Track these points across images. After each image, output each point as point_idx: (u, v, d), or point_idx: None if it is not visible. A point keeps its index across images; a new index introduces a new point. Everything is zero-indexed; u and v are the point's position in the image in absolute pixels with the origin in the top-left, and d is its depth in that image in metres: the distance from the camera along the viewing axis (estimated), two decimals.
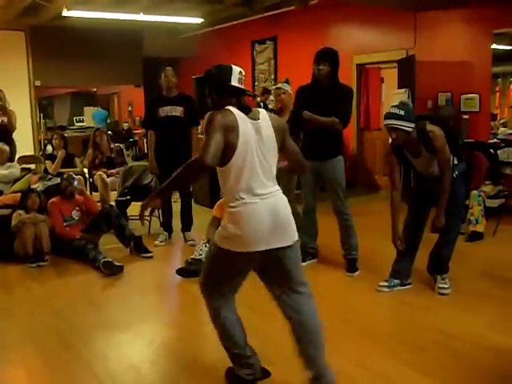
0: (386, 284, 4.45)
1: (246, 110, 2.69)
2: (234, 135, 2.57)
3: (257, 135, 2.66)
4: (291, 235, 2.81)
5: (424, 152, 4.07)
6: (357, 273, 4.86)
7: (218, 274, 2.85)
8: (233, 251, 2.68)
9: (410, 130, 3.93)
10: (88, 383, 3.14)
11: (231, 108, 2.64)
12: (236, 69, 2.77)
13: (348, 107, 4.76)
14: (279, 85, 5.50)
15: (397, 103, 4.07)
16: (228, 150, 2.57)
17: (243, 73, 2.81)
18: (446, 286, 4.35)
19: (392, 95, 7.84)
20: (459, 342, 3.52)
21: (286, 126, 2.93)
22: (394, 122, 3.92)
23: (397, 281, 4.45)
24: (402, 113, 3.90)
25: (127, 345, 3.69)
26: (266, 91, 8.58)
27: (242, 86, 2.78)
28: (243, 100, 2.76)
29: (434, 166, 4.14)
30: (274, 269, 2.84)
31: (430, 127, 3.98)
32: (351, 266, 4.90)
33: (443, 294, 4.29)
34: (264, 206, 2.67)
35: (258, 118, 2.71)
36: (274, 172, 2.79)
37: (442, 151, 3.99)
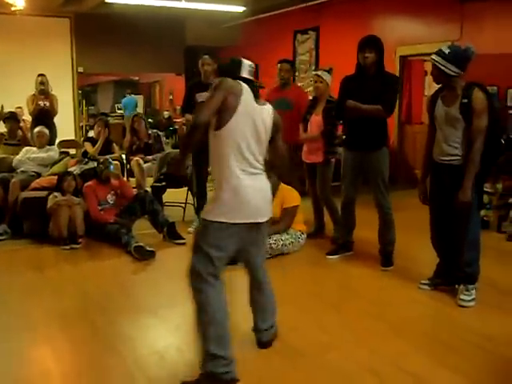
0: (427, 282, 4.28)
1: (255, 97, 2.89)
2: (235, 99, 2.74)
3: (256, 115, 2.85)
4: (269, 212, 3.01)
5: (455, 109, 3.81)
6: (391, 267, 4.73)
7: (208, 252, 2.83)
8: (227, 222, 2.78)
9: (448, 71, 3.73)
10: (112, 365, 3.14)
11: (242, 83, 2.83)
12: (246, 62, 3.00)
13: (393, 95, 4.63)
14: (319, 72, 5.42)
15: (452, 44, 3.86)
16: (226, 111, 2.73)
17: (253, 65, 3.05)
18: (468, 297, 3.95)
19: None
20: (494, 343, 3.38)
21: (281, 125, 3.14)
22: (435, 57, 3.77)
23: (438, 280, 4.26)
24: (447, 51, 3.73)
25: (153, 329, 3.67)
26: None
27: (251, 77, 3.00)
28: (253, 89, 2.92)
29: (455, 138, 3.85)
30: (248, 242, 2.99)
31: (477, 90, 3.75)
32: (386, 260, 4.78)
33: (464, 307, 3.92)
34: (257, 181, 2.87)
35: (263, 105, 2.94)
36: (263, 157, 2.95)
37: (480, 116, 3.72)
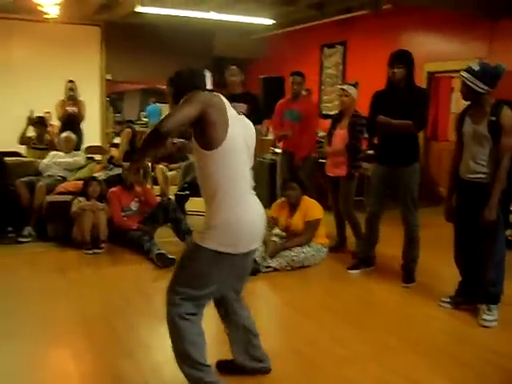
0: (448, 300, 4.23)
1: None
2: (222, 114, 2.43)
3: (244, 129, 2.60)
4: (260, 237, 2.73)
5: (483, 127, 3.77)
6: (413, 284, 4.69)
7: (196, 278, 2.58)
8: (221, 252, 2.50)
9: (477, 88, 3.70)
10: (128, 371, 3.15)
11: (220, 95, 2.54)
12: (207, 73, 2.69)
13: (423, 110, 4.59)
14: (345, 86, 5.43)
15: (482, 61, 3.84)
16: (213, 128, 2.41)
17: (210, 75, 2.72)
18: (491, 317, 3.89)
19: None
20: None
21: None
22: (464, 74, 3.75)
23: (460, 299, 4.21)
24: (476, 69, 3.70)
25: None
26: None
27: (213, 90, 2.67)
28: None
29: (482, 155, 3.81)
30: (241, 271, 2.80)
31: (506, 108, 3.72)
32: (408, 276, 4.73)
33: (486, 327, 3.86)
34: (255, 202, 2.64)
35: (240, 116, 2.65)
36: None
37: (508, 134, 3.69)
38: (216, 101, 2.45)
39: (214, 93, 2.53)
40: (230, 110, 2.50)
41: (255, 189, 2.69)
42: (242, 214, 2.52)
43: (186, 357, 2.63)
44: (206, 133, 2.41)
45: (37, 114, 7.83)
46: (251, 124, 2.71)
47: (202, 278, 2.57)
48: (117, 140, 9.35)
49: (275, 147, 7.93)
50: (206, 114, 2.38)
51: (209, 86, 2.64)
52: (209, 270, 2.54)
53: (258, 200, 2.66)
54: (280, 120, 6.25)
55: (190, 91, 2.48)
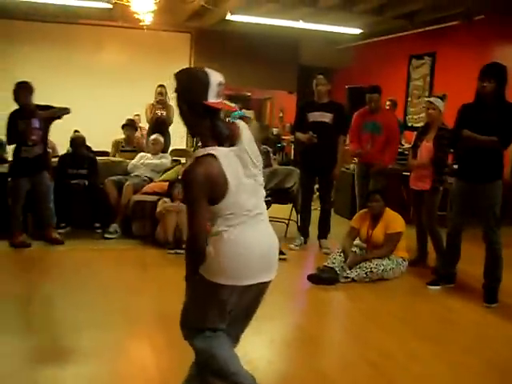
0: None
1: (224, 137, 2.27)
2: (223, 183, 2.21)
3: (242, 165, 2.29)
4: (275, 268, 2.49)
5: None
6: (495, 304, 4.54)
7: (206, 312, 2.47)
8: (222, 284, 2.33)
9: None
10: None
11: (213, 151, 2.21)
12: (214, 79, 2.24)
13: (510, 126, 4.39)
14: (432, 99, 5.36)
15: None
16: (218, 195, 2.22)
17: (222, 82, 2.28)
18: None
19: None
20: None
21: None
22: None
23: None
24: None
25: (247, 340, 3.68)
26: None
27: (220, 101, 2.27)
28: (220, 121, 2.29)
29: None
30: (249, 307, 2.65)
31: None
32: (490, 296, 4.58)
33: None
34: (257, 233, 2.38)
35: (238, 139, 2.30)
36: (262, 195, 2.45)
37: None
38: (217, 175, 2.20)
39: (209, 152, 2.21)
40: (228, 167, 2.22)
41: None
42: (238, 247, 2.32)
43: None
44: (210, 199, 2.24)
45: (127, 117, 8.16)
46: (250, 139, 2.36)
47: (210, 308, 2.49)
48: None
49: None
50: (214, 190, 2.21)
51: (212, 97, 2.23)
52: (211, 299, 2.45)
53: (265, 222, 2.47)
54: (357, 133, 6.15)
55: (188, 102, 2.26)
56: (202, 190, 2.18)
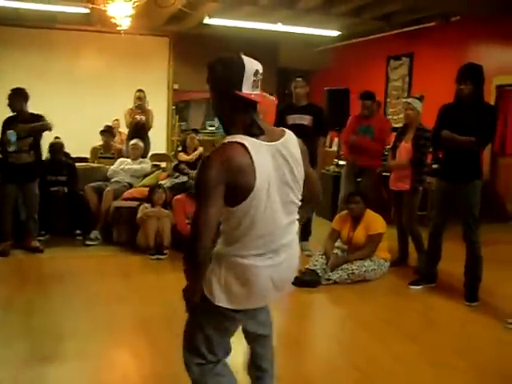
0: None
1: (257, 130, 1.98)
2: (249, 177, 1.90)
3: (275, 167, 1.99)
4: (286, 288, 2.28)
5: None
6: (476, 303, 4.57)
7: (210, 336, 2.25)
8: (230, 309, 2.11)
9: None
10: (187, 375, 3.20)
11: (241, 139, 1.93)
12: (250, 67, 1.99)
13: (489, 128, 4.46)
14: (410, 100, 5.40)
15: None
16: (239, 190, 1.92)
17: (260, 71, 2.04)
18: None
19: None
20: None
21: (305, 148, 2.18)
22: None
23: None
24: None
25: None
26: None
27: (257, 92, 2.01)
28: (256, 116, 2.02)
29: None
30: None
31: None
32: (471, 295, 4.62)
33: None
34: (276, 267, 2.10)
35: (278, 139, 2.03)
36: (298, 205, 2.15)
37: None
38: (244, 166, 1.90)
39: (238, 140, 1.93)
40: (259, 160, 1.93)
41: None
42: (252, 277, 2.06)
43: None
44: (229, 192, 1.93)
45: (106, 122, 8.11)
46: (295, 137, 2.14)
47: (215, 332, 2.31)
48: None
49: (339, 159, 7.91)
50: (237, 183, 1.91)
51: (246, 87, 1.98)
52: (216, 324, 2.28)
53: (293, 247, 2.22)
54: (351, 135, 6.23)
55: (219, 92, 2.04)
56: (219, 178, 1.86)
